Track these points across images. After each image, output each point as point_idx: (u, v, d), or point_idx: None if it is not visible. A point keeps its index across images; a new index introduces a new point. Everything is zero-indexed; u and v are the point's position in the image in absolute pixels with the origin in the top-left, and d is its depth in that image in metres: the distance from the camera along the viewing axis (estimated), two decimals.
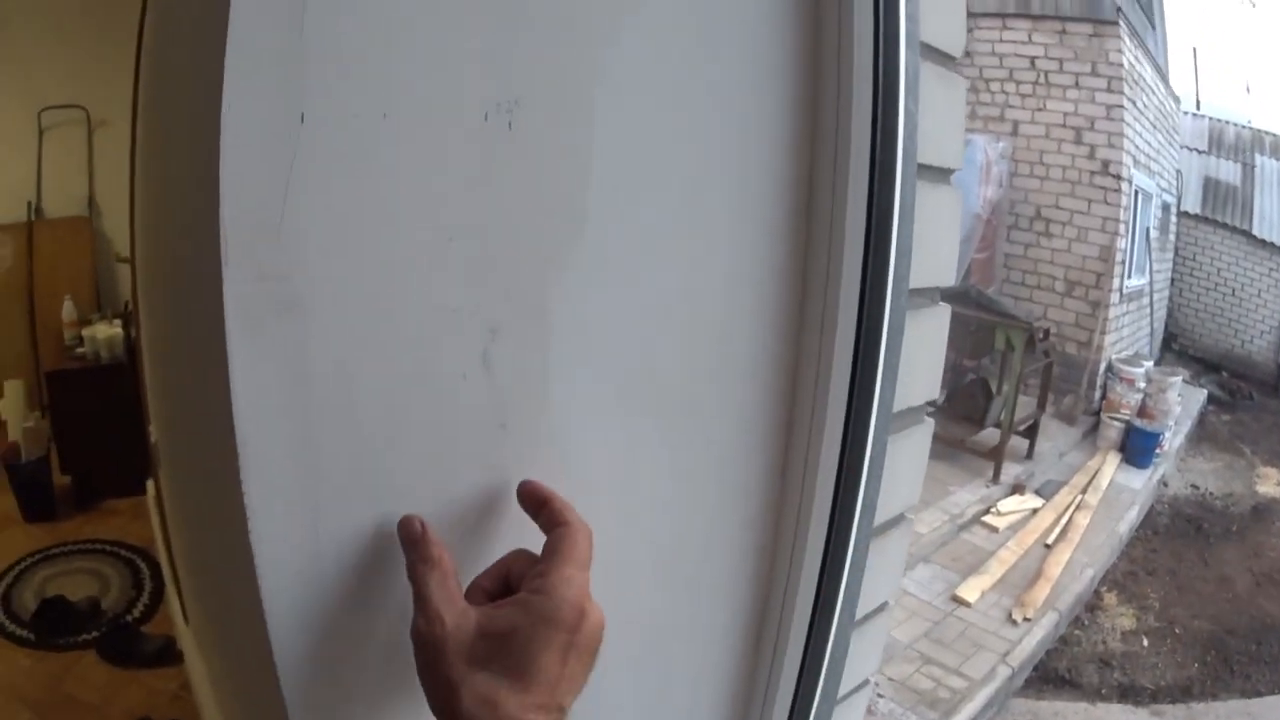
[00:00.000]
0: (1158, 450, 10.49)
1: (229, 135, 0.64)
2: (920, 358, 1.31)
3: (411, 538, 0.77)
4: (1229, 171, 15.69)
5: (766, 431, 1.14)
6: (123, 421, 4.39)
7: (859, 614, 1.39)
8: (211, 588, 1.32)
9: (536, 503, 0.83)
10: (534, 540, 0.83)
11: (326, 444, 0.74)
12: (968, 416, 9.58)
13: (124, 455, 4.63)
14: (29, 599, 4.10)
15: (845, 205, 1.07)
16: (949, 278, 1.36)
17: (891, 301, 1.12)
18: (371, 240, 0.72)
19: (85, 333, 5.15)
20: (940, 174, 1.29)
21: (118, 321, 5.26)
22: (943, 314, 1.38)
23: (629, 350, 0.95)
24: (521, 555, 0.83)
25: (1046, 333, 9.78)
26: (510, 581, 0.81)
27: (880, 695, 5.46)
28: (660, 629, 1.14)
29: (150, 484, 3.91)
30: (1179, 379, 11.33)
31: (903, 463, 1.35)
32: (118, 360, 5.02)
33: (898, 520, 1.43)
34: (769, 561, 1.23)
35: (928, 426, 1.42)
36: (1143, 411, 10.81)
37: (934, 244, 1.28)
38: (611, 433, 0.96)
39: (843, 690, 1.47)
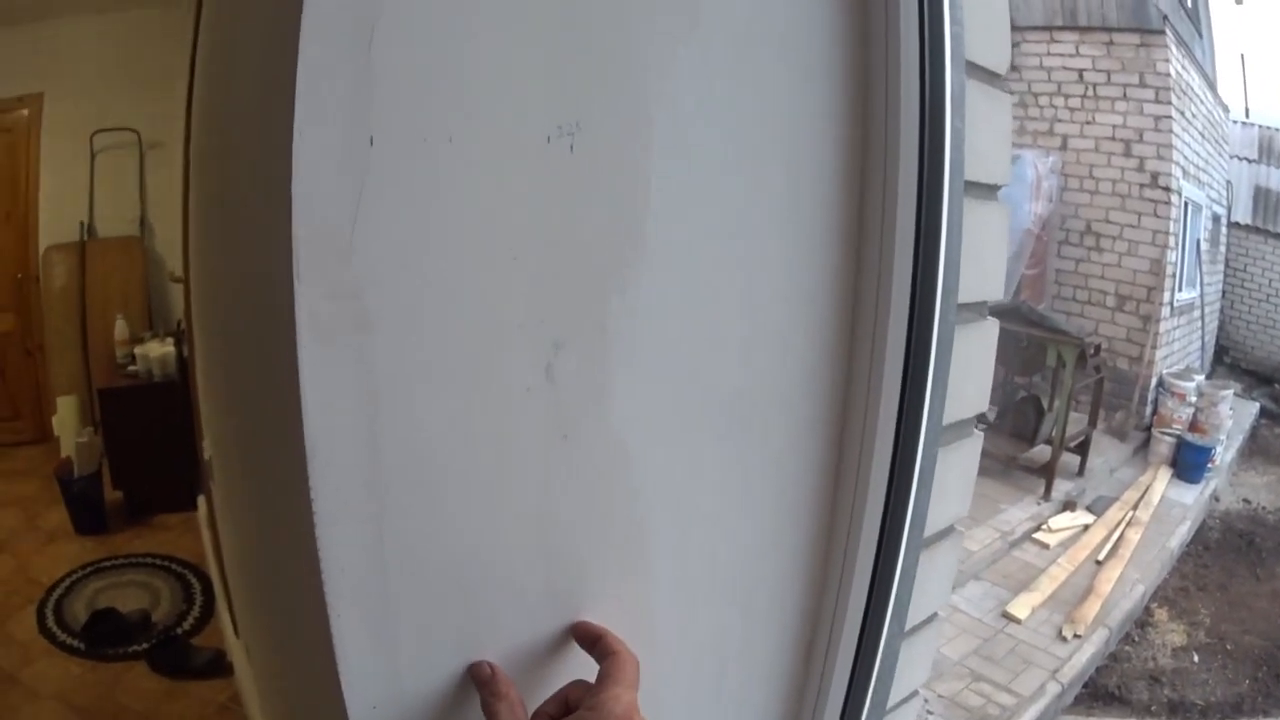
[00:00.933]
0: (1209, 465, 10.36)
1: (301, 157, 0.66)
2: (969, 371, 1.32)
3: (483, 678, 0.87)
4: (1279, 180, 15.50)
5: (819, 444, 1.16)
6: (174, 438, 4.45)
7: (909, 625, 1.40)
8: (270, 597, 1.34)
9: (590, 638, 0.94)
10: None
11: (393, 455, 0.76)
12: (1019, 433, 9.49)
13: (175, 471, 4.70)
14: (80, 610, 4.15)
15: (894, 223, 1.08)
16: (997, 292, 1.37)
17: (940, 316, 1.13)
18: (438, 258, 0.75)
19: (137, 351, 5.21)
20: (987, 190, 1.30)
21: (170, 340, 5.31)
22: (991, 328, 1.39)
23: (686, 364, 0.97)
24: (579, 684, 0.92)
25: (1098, 348, 9.68)
26: (569, 706, 0.90)
27: (930, 712, 5.42)
28: (713, 636, 1.15)
29: (201, 500, 3.97)
30: (1230, 392, 11.18)
31: (952, 475, 1.36)
32: (169, 378, 5.07)
33: (947, 532, 1.44)
34: (820, 571, 1.24)
35: (977, 439, 1.43)
36: (1194, 426, 10.68)
37: (982, 259, 1.30)
38: (670, 444, 0.98)
39: (892, 701, 1.48)
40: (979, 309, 1.35)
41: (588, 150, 0.83)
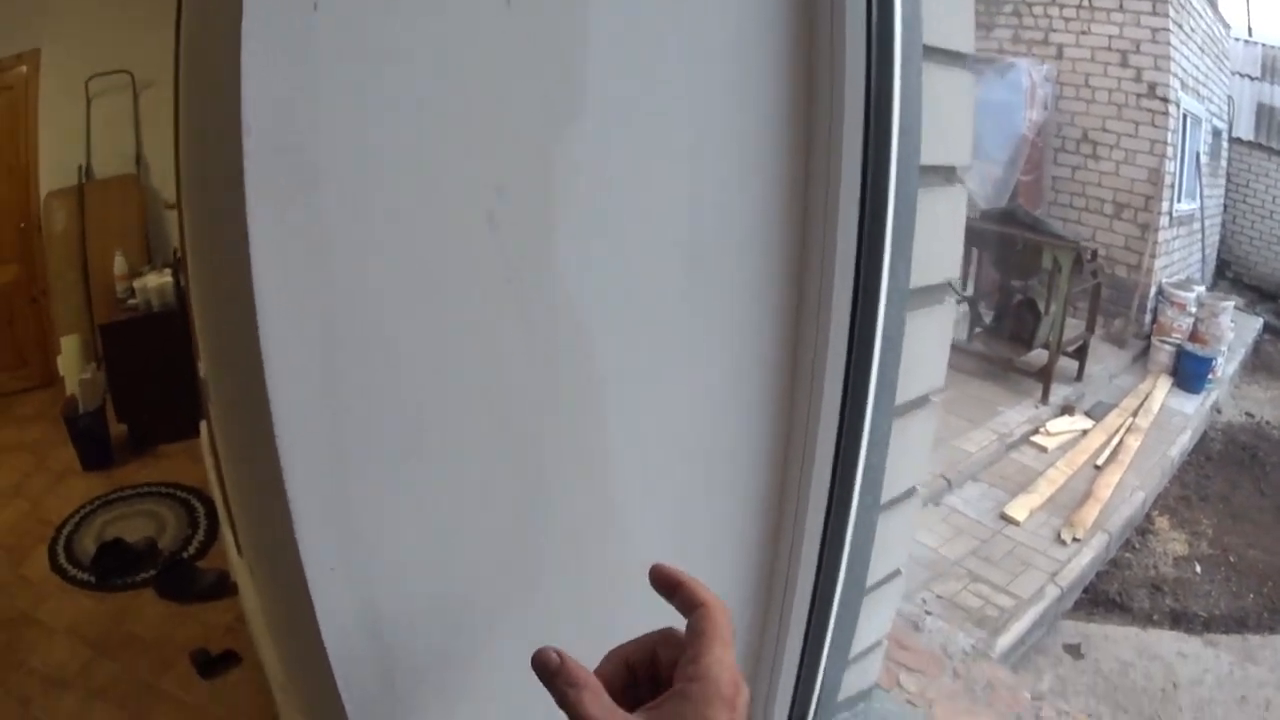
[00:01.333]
0: (1210, 376, 10.38)
1: (250, 23, 0.68)
2: (937, 234, 1.33)
3: (551, 669, 0.76)
4: None
5: (775, 302, 1.16)
6: (174, 367, 4.49)
7: (885, 498, 1.42)
8: (237, 469, 1.35)
9: (669, 585, 0.82)
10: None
11: (341, 306, 0.78)
12: (1016, 337, 9.55)
13: (176, 400, 4.75)
14: (90, 545, 4.22)
15: (844, 82, 1.08)
16: (963, 158, 1.37)
17: (898, 175, 1.14)
18: (379, 110, 0.76)
19: (136, 284, 5.25)
20: (951, 57, 1.30)
21: (167, 270, 5.36)
22: (958, 194, 1.38)
23: (633, 213, 0.97)
24: (670, 637, 0.82)
25: (1094, 254, 9.69)
26: (658, 663, 0.81)
27: (928, 612, 5.44)
28: (675, 500, 1.16)
29: (204, 425, 4.01)
30: (1231, 304, 11.18)
31: (923, 342, 1.37)
32: (168, 307, 5.12)
33: (922, 402, 1.45)
34: (783, 438, 1.24)
35: (949, 307, 1.43)
36: (1194, 336, 10.69)
37: (945, 122, 1.29)
38: (620, 292, 0.99)
39: (871, 579, 1.50)
40: (945, 173, 1.35)
41: (524, 4, 0.83)
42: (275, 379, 0.75)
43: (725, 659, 0.75)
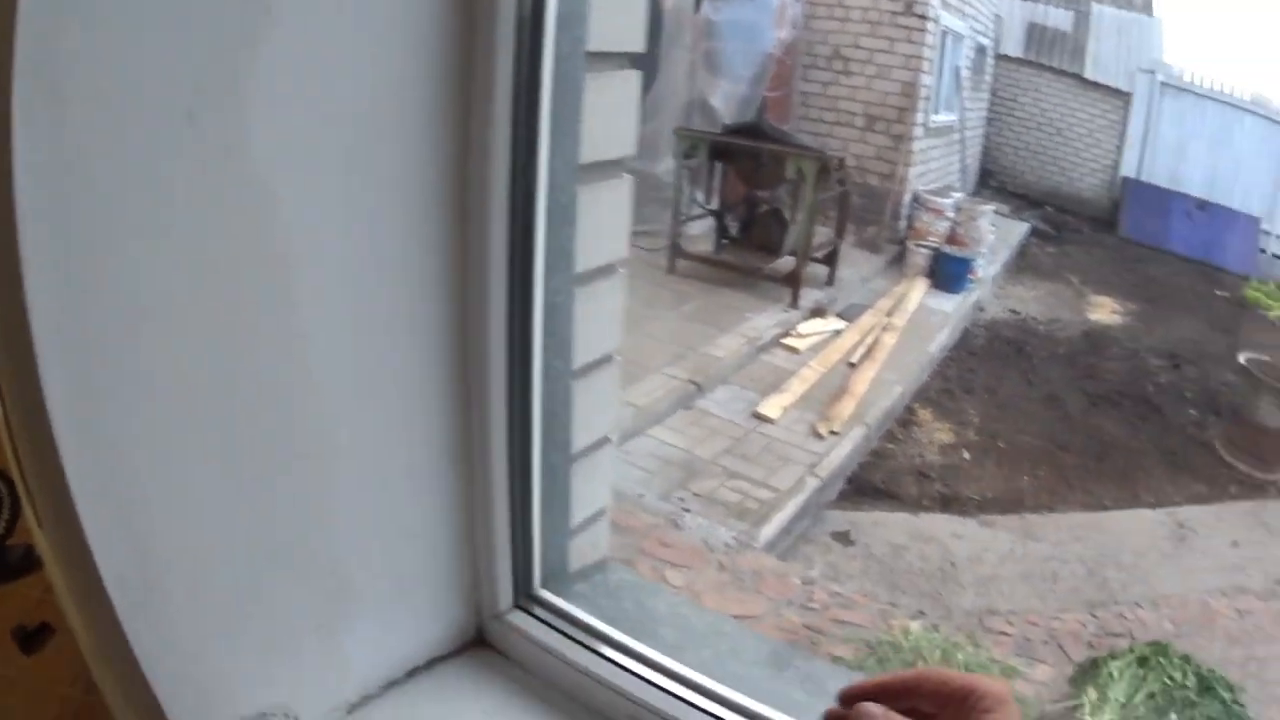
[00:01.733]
0: (970, 277, 10.85)
1: None
2: (607, 115, 1.40)
3: None
4: (1059, 18, 16.15)
5: (439, 182, 1.21)
6: None
7: (577, 364, 1.51)
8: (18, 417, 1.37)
9: (872, 693, 0.84)
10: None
11: (81, 205, 0.88)
12: (763, 246, 9.86)
13: None
14: None
15: None
16: (635, 45, 1.44)
17: (556, 60, 1.22)
18: (107, 26, 0.85)
19: None
20: None
21: None
22: (629, 77, 1.44)
23: (318, 110, 1.05)
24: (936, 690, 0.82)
25: (841, 162, 9.98)
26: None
27: (686, 510, 5.68)
28: (365, 368, 1.22)
29: None
30: (990, 208, 11.71)
31: (601, 213, 1.45)
32: None
33: (607, 270, 1.52)
34: (458, 312, 1.30)
35: (626, 181, 1.50)
36: (952, 239, 11.14)
37: (613, 10, 1.37)
38: (302, 182, 1.06)
39: (578, 446, 1.59)
40: (616, 60, 1.41)
41: None
42: (32, 285, 0.85)
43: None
